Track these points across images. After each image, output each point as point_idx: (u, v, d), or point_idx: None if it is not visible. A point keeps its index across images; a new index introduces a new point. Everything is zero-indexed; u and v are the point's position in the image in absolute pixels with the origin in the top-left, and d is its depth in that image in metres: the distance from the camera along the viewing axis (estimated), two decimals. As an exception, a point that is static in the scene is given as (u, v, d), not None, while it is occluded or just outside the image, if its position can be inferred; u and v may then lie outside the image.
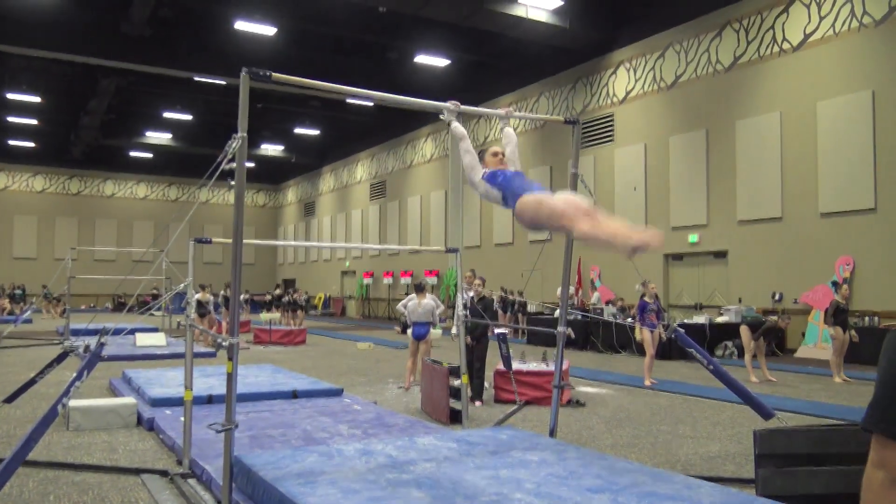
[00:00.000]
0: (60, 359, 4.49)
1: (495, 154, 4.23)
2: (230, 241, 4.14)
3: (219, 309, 17.13)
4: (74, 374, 3.41)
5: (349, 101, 24.52)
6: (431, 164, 27.01)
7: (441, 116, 4.44)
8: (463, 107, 4.47)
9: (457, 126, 4.35)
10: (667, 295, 17.21)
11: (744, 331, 10.63)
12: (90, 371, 3.58)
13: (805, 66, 14.30)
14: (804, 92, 14.27)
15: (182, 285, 4.82)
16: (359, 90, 4.57)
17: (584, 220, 3.26)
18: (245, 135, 3.74)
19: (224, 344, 3.68)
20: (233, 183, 3.74)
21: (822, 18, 13.99)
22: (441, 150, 26.20)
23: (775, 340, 12.45)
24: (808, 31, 14.24)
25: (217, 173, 3.82)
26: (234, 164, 3.76)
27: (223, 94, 25.57)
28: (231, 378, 3.73)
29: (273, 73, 3.74)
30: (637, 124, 18.18)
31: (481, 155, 4.24)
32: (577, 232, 3.30)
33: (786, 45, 14.64)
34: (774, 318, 10.62)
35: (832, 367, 10.49)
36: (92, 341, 3.93)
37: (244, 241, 4.06)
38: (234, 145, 3.63)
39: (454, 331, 7.93)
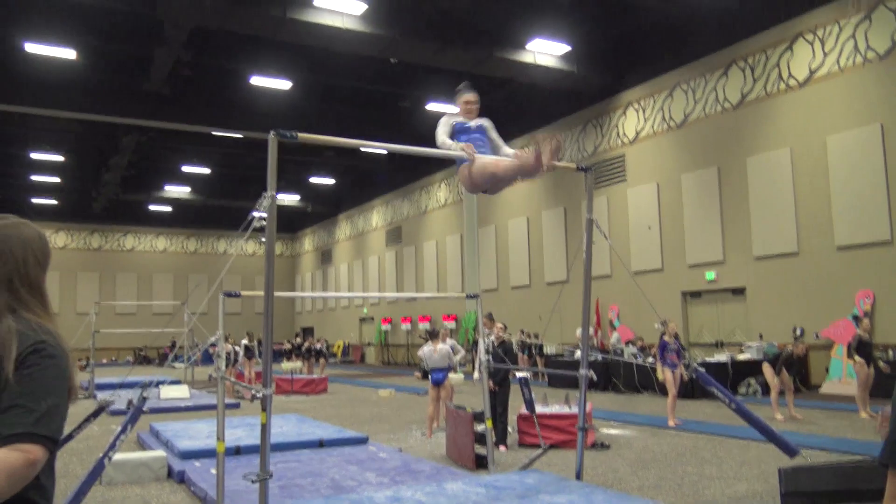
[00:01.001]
0: (96, 414, 4.62)
1: (467, 102, 4.78)
2: (260, 293, 4.29)
3: (240, 359, 17.25)
4: (119, 429, 3.53)
5: (363, 149, 24.94)
6: (446, 208, 27.28)
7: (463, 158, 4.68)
8: (477, 155, 4.64)
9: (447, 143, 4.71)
10: (687, 333, 17.16)
11: (766, 368, 10.59)
12: (134, 425, 3.71)
13: (812, 101, 14.48)
14: (813, 127, 14.42)
15: (214, 338, 4.95)
16: (377, 144, 4.78)
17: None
18: (274, 193, 3.92)
19: (258, 395, 3.80)
20: (263, 239, 3.90)
21: (826, 55, 14.20)
22: (455, 195, 26.49)
23: (798, 374, 12.37)
24: (813, 68, 14.45)
25: (249, 230, 3.99)
26: (264, 222, 3.92)
27: (240, 147, 26.12)
28: (265, 428, 3.84)
29: (299, 134, 3.92)
30: (648, 163, 18.37)
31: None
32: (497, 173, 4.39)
33: (792, 82, 14.85)
34: (789, 347, 10.59)
35: (858, 402, 10.41)
36: (125, 396, 4.06)
37: (276, 293, 4.20)
38: (264, 203, 3.80)
39: (476, 375, 8.00)
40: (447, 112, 4.87)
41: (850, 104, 13.83)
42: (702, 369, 4.94)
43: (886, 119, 13.21)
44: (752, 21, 15.49)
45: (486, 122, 5.01)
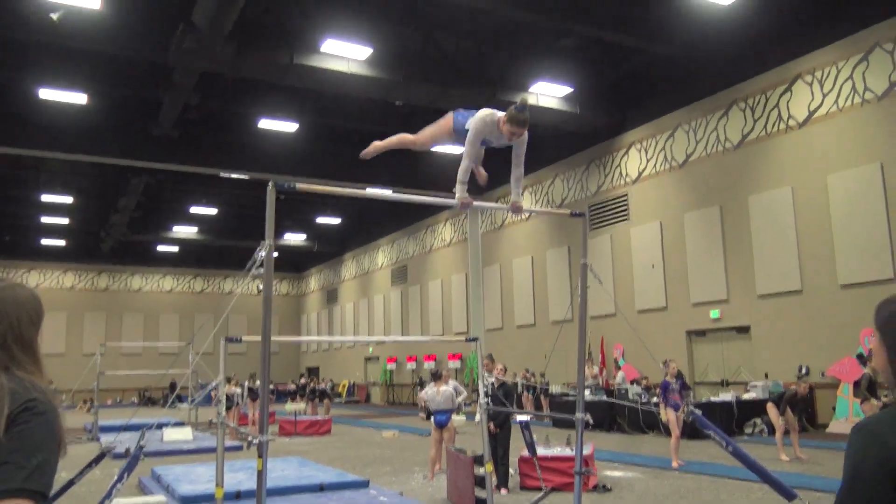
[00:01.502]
0: (98, 459, 4.65)
1: (511, 129, 4.61)
2: (258, 338, 4.35)
3: (245, 400, 17.23)
4: (116, 476, 3.57)
5: (369, 189, 25.20)
6: (451, 248, 27.40)
7: (459, 207, 4.76)
8: (476, 203, 4.73)
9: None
10: (692, 372, 17.07)
11: (771, 408, 10.54)
12: (130, 473, 3.75)
13: (812, 141, 14.61)
14: (814, 166, 14.53)
15: (214, 383, 5.01)
16: (376, 192, 4.88)
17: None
18: (272, 242, 4.01)
19: (254, 442, 3.84)
20: (261, 287, 3.98)
21: (825, 95, 14.38)
22: (460, 234, 26.63)
23: (804, 413, 12.29)
24: (812, 108, 14.61)
25: (249, 275, 4.07)
26: (262, 269, 4.01)
27: (247, 188, 26.42)
28: (261, 476, 3.87)
29: (298, 184, 4.03)
30: (651, 203, 18.48)
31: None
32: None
33: (791, 122, 15.01)
34: (793, 386, 10.56)
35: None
36: (128, 439, 4.10)
37: (272, 338, 4.27)
38: (261, 253, 3.89)
39: (478, 417, 8.00)
40: (492, 111, 4.62)
41: (849, 144, 13.96)
42: (698, 412, 4.95)
43: (886, 158, 13.32)
44: (752, 63, 15.72)
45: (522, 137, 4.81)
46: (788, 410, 10.32)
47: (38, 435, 1.59)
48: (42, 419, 1.61)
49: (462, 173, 4.53)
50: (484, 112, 4.53)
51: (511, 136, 4.55)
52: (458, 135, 4.78)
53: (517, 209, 4.93)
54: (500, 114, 4.51)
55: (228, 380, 16.07)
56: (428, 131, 5.11)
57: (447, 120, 4.92)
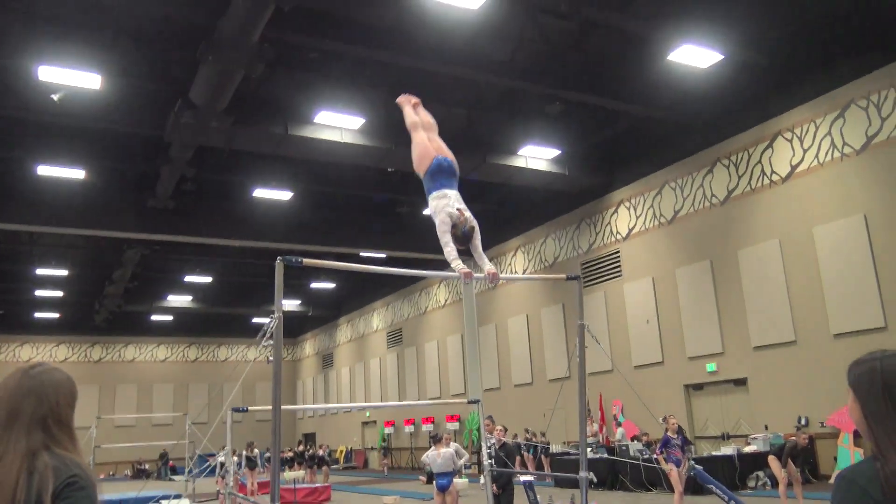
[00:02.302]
0: (105, 534, 4.68)
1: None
2: (265, 408, 4.48)
3: (242, 469, 17.05)
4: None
5: (363, 253, 25.44)
6: (446, 309, 27.51)
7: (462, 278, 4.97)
8: (476, 274, 4.92)
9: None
10: (692, 426, 17.05)
11: (772, 461, 10.58)
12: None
13: (796, 194, 15.00)
14: (799, 219, 14.88)
15: (221, 454, 5.08)
16: (377, 268, 5.07)
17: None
18: (281, 315, 4.18)
19: (267, 511, 3.92)
20: (271, 359, 4.13)
21: (805, 151, 14.84)
22: (455, 295, 26.78)
23: (806, 465, 12.30)
24: (794, 163, 15.05)
25: (259, 345, 4.21)
26: (271, 341, 4.16)
27: (242, 256, 26.64)
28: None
29: (304, 260, 4.22)
30: (643, 259, 18.76)
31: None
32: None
33: (775, 177, 15.42)
34: (793, 437, 10.62)
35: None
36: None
37: (282, 407, 4.39)
38: (272, 325, 4.05)
39: (482, 479, 8.02)
40: (446, 202, 5.23)
41: (832, 197, 14.34)
42: (699, 467, 5.06)
43: (869, 209, 13.67)
44: (733, 122, 16.24)
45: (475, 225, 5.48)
46: (790, 462, 10.37)
47: None
48: (83, 493, 1.77)
49: (449, 255, 4.91)
50: (439, 203, 5.02)
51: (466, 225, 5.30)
52: (427, 175, 5.59)
53: (494, 278, 5.20)
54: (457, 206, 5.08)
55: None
56: (421, 137, 6.01)
57: (430, 157, 5.72)
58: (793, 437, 10.60)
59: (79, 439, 1.96)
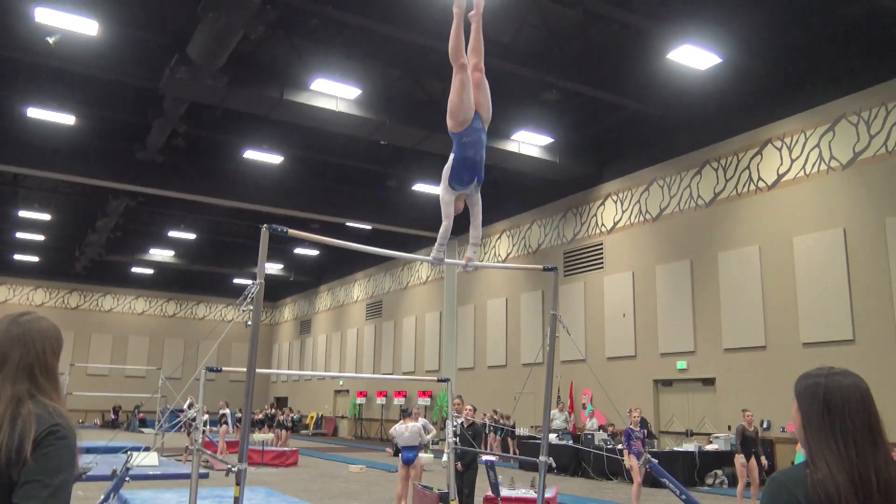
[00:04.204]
0: (74, 480, 4.78)
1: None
2: (239, 369, 4.58)
3: (219, 427, 17.19)
4: (102, 496, 3.75)
5: (348, 223, 25.47)
6: (427, 286, 27.65)
7: (432, 265, 5.03)
8: (447, 260, 5.03)
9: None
10: (657, 421, 17.37)
11: (737, 459, 10.85)
12: (116, 493, 3.93)
13: (780, 203, 15.20)
14: (780, 227, 15.09)
15: (193, 411, 5.19)
16: (363, 247, 5.14)
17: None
18: (262, 281, 4.26)
19: (233, 469, 4.04)
20: (249, 323, 4.22)
21: (793, 161, 15.01)
22: (436, 273, 26.92)
23: (767, 468, 12.61)
24: (780, 172, 15.23)
25: (239, 309, 4.31)
26: (250, 307, 4.25)
27: (227, 216, 26.60)
28: (237, 502, 4.07)
29: (290, 230, 4.30)
30: (625, 253, 18.95)
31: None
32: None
33: (761, 184, 15.61)
34: (741, 424, 10.98)
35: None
36: (97, 461, 4.27)
37: (256, 370, 4.49)
38: (253, 290, 4.14)
39: (445, 458, 8.20)
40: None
41: (814, 208, 14.55)
42: (654, 461, 5.23)
43: (848, 225, 13.90)
44: (725, 125, 16.38)
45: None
46: (752, 460, 10.65)
47: (61, 457, 1.82)
48: (64, 443, 1.85)
49: (442, 234, 4.89)
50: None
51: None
52: (460, 128, 4.86)
53: (467, 263, 5.22)
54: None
55: (190, 406, 16.05)
56: (458, 86, 4.78)
57: (469, 116, 4.81)
58: (741, 424, 10.97)
59: (62, 389, 2.03)
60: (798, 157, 14.91)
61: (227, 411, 17.72)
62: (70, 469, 1.83)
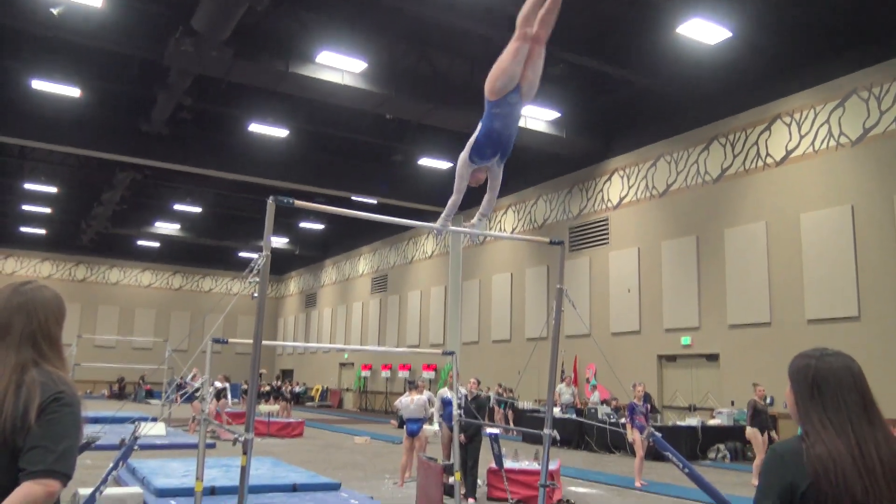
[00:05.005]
0: (82, 449, 4.84)
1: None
2: (244, 341, 4.61)
3: (221, 397, 17.35)
4: (112, 463, 3.81)
5: (354, 198, 25.44)
6: (432, 260, 27.69)
7: (435, 234, 4.95)
8: (452, 227, 5.00)
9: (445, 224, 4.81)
10: (661, 396, 17.46)
11: (754, 433, 10.85)
12: (125, 461, 3.99)
13: (788, 179, 15.11)
14: (788, 204, 15.02)
15: (199, 381, 5.24)
16: (364, 214, 5.14)
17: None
18: (269, 253, 4.28)
19: (240, 439, 4.09)
20: (256, 295, 4.24)
21: (802, 137, 14.90)
22: (442, 247, 26.94)
23: (777, 436, 12.66)
24: (789, 148, 15.13)
25: (245, 281, 4.33)
26: (257, 278, 4.27)
27: (233, 189, 26.58)
28: (244, 471, 4.12)
29: (296, 201, 4.30)
30: (631, 229, 18.91)
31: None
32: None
33: (769, 160, 15.51)
34: (752, 398, 11.02)
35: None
36: (107, 431, 4.32)
37: (263, 342, 4.53)
38: (259, 262, 4.15)
39: (435, 427, 8.26)
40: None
41: (822, 185, 14.46)
42: (658, 434, 5.27)
43: (856, 201, 13.82)
44: (734, 101, 16.23)
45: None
46: (766, 435, 10.70)
47: (66, 423, 1.85)
48: (69, 410, 1.87)
49: (450, 207, 4.69)
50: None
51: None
52: (494, 96, 4.50)
53: (471, 228, 5.05)
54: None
55: (194, 378, 16.19)
56: (510, 53, 4.43)
57: (507, 87, 4.47)
58: (753, 398, 11.01)
59: (66, 357, 2.05)
60: (807, 133, 14.79)
61: (227, 385, 17.86)
62: (74, 435, 1.86)
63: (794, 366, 1.96)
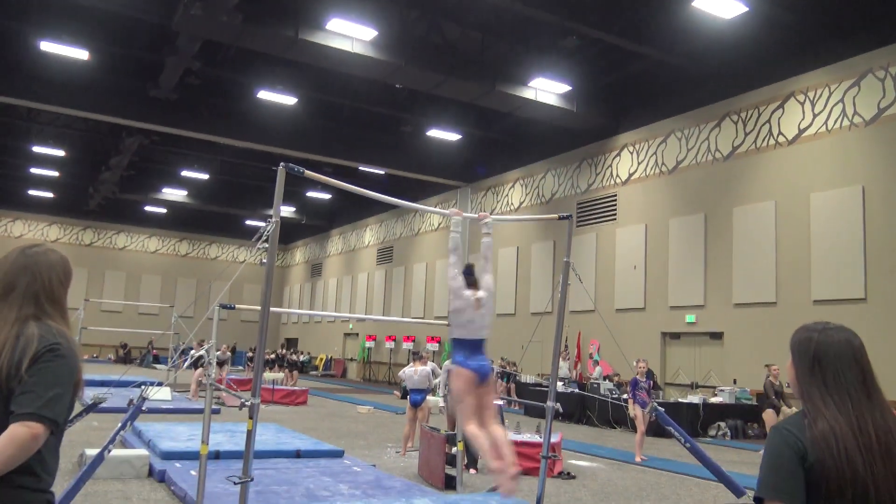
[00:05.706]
0: (89, 409, 4.90)
1: (478, 300, 4.65)
2: (252, 307, 4.61)
3: (224, 365, 17.50)
4: (119, 424, 3.84)
5: (361, 168, 25.36)
6: (438, 232, 27.66)
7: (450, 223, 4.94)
8: (465, 214, 4.98)
9: (455, 237, 4.81)
10: (663, 373, 17.51)
11: (769, 414, 10.88)
12: (133, 421, 4.02)
13: (799, 158, 14.98)
14: (798, 183, 14.91)
15: (205, 348, 5.26)
16: (375, 194, 5.11)
17: (471, 422, 4.11)
18: (278, 219, 4.26)
19: (247, 403, 4.12)
20: (264, 262, 4.24)
21: (815, 115, 14.74)
22: (448, 220, 26.85)
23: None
24: (802, 127, 14.97)
25: (254, 247, 4.32)
26: (266, 244, 4.26)
27: (241, 156, 26.53)
28: (250, 435, 4.15)
29: (306, 171, 4.27)
30: (639, 205, 18.83)
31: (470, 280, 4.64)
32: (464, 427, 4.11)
33: (781, 139, 15.36)
34: (769, 379, 11.04)
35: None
36: (111, 394, 4.35)
37: (270, 308, 4.53)
38: (269, 229, 4.14)
39: (441, 403, 8.30)
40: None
41: (834, 165, 14.34)
42: (661, 409, 5.28)
43: (868, 182, 13.71)
44: (747, 78, 16.04)
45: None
46: (781, 416, 10.74)
47: (58, 373, 1.90)
48: (62, 361, 1.92)
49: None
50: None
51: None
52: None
53: (482, 217, 5.12)
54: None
55: (200, 343, 16.28)
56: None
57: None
58: (768, 378, 11.04)
59: (70, 318, 2.08)
60: (820, 112, 14.63)
61: (229, 354, 17.99)
62: (66, 385, 1.90)
63: (797, 338, 1.95)
